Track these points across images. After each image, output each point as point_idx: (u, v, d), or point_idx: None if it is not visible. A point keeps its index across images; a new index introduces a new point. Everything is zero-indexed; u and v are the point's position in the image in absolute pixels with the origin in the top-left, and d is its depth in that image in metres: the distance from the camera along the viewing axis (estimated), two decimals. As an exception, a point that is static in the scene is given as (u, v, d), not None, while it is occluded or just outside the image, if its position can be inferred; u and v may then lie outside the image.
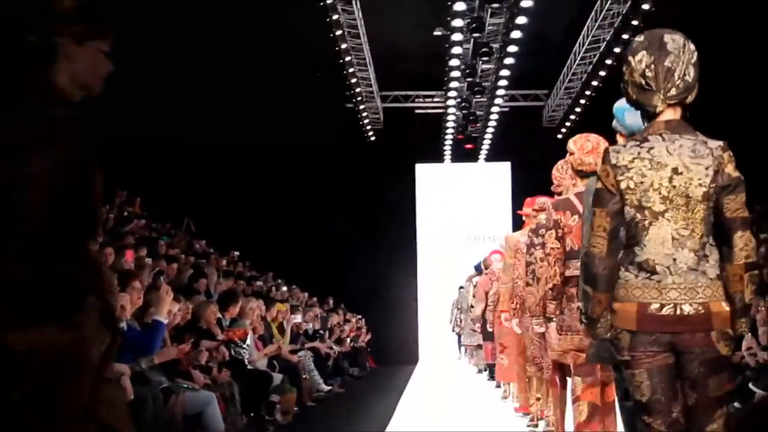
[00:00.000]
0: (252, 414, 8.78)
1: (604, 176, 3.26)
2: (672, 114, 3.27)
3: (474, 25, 15.95)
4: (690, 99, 3.27)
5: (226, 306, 9.57)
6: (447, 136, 22.78)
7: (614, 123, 4.32)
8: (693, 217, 3.18)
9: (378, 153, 22.33)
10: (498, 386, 12.43)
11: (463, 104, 19.98)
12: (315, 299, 19.14)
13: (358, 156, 22.00)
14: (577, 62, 18.89)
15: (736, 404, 7.88)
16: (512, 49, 16.63)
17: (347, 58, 17.92)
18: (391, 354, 22.05)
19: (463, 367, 18.89)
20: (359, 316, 21.50)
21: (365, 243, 21.97)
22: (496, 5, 15.51)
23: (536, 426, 7.98)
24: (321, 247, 21.55)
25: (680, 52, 3.23)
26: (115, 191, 15.33)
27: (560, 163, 6.13)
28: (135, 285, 6.89)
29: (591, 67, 18.43)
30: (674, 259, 3.17)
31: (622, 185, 3.22)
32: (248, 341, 9.41)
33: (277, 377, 9.36)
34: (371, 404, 11.86)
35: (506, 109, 21.39)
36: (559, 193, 6.09)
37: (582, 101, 19.80)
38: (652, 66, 3.23)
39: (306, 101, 18.19)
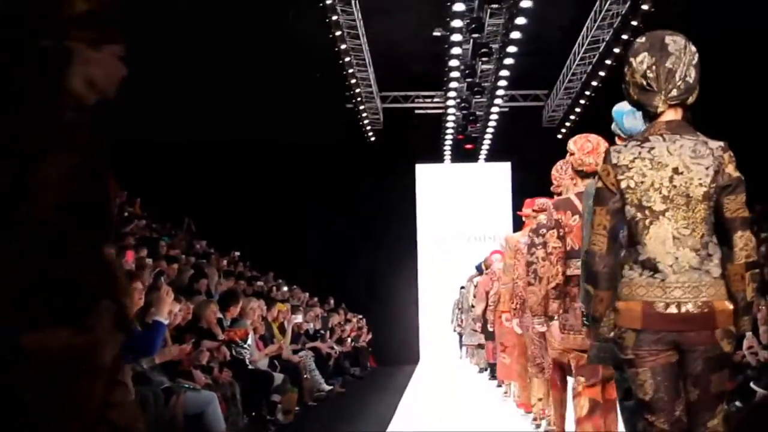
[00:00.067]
0: (253, 414, 8.79)
1: (605, 175, 3.29)
2: (673, 115, 3.30)
3: (473, 26, 15.96)
4: (691, 100, 3.30)
5: (227, 306, 9.58)
6: (447, 137, 22.79)
7: (613, 126, 4.35)
8: (693, 216, 3.21)
9: (378, 153, 22.33)
10: (499, 386, 12.44)
11: (463, 104, 20.00)
12: (316, 299, 19.15)
13: (358, 156, 22.01)
14: (576, 62, 18.90)
15: (737, 403, 7.89)
16: (512, 49, 16.64)
17: (347, 59, 17.94)
18: (392, 354, 22.06)
19: (464, 367, 18.90)
20: (360, 316, 21.51)
21: (366, 243, 21.98)
22: (495, 6, 15.53)
23: (539, 426, 8.00)
24: (321, 247, 21.57)
25: (681, 54, 3.26)
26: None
27: (559, 163, 6.14)
28: (136, 286, 6.90)
29: (590, 67, 18.44)
30: (676, 258, 3.19)
31: (623, 185, 3.25)
32: (249, 341, 9.42)
33: (278, 377, 9.37)
34: (372, 404, 11.87)
35: (506, 110, 21.41)
36: (559, 194, 6.10)
37: (582, 101, 19.81)
38: (654, 67, 3.26)
39: (306, 101, 18.20)
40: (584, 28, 17.71)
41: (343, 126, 21.11)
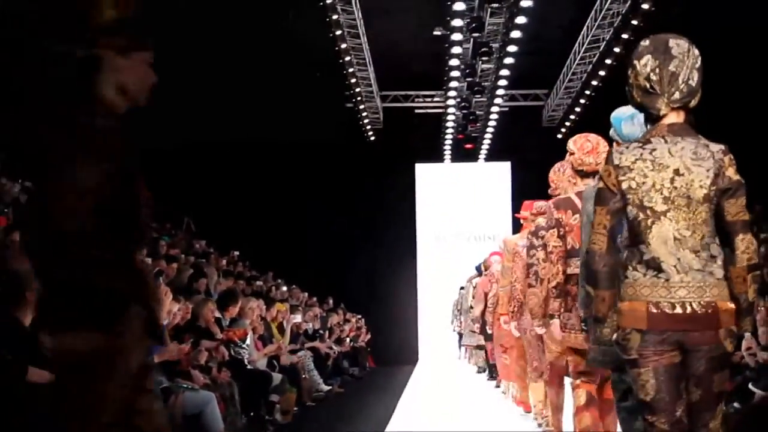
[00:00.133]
0: (252, 414, 8.78)
1: (606, 176, 3.32)
2: (675, 117, 3.32)
3: (474, 25, 15.95)
4: (693, 103, 3.32)
5: (226, 306, 9.56)
6: (447, 136, 22.78)
7: (611, 132, 4.36)
8: (694, 218, 3.23)
9: (378, 153, 22.32)
10: (497, 386, 12.44)
11: (463, 104, 19.99)
12: (315, 299, 19.15)
13: (358, 156, 22.00)
14: (576, 62, 18.89)
15: (735, 404, 7.88)
16: (512, 48, 16.63)
17: (347, 58, 17.93)
18: (390, 354, 22.05)
19: (463, 367, 18.89)
20: (359, 316, 21.50)
21: (365, 243, 21.97)
22: (495, 5, 15.51)
23: (539, 425, 8.00)
24: (321, 246, 21.56)
25: (685, 57, 3.28)
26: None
27: (557, 166, 6.15)
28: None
29: (591, 66, 18.43)
30: (678, 259, 3.21)
31: (624, 185, 3.27)
32: (248, 341, 9.41)
33: (277, 377, 9.36)
34: (371, 404, 11.86)
35: (506, 109, 21.39)
36: (557, 196, 6.09)
37: (582, 101, 19.80)
38: (657, 70, 3.28)
39: (306, 101, 18.20)
40: (584, 28, 17.70)
41: (343, 125, 21.11)
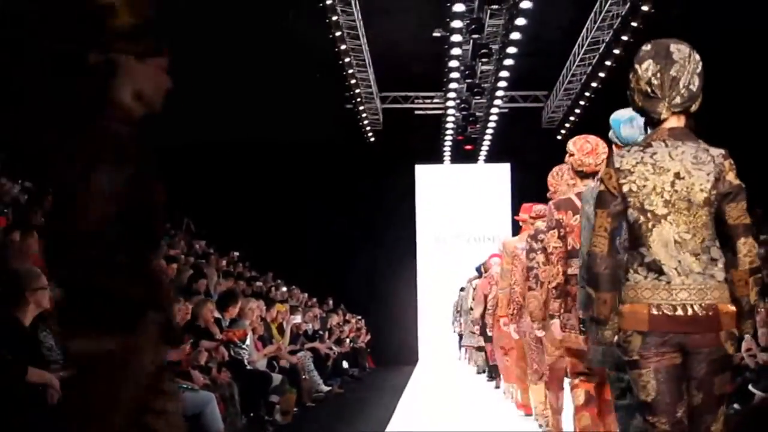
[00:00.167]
0: (251, 414, 8.78)
1: (607, 178, 3.34)
2: (676, 122, 3.34)
3: (473, 27, 15.95)
4: (694, 108, 3.35)
5: (226, 306, 9.57)
6: (446, 137, 22.78)
7: (611, 134, 4.38)
8: (695, 221, 3.25)
9: (377, 154, 22.33)
10: (497, 387, 12.44)
11: (463, 105, 19.99)
12: (315, 300, 19.15)
13: (358, 157, 22.01)
14: (576, 63, 18.90)
15: (735, 405, 7.89)
16: (512, 50, 16.63)
17: (347, 59, 17.93)
18: (390, 354, 22.06)
19: (463, 368, 18.90)
20: (359, 317, 21.51)
21: (365, 244, 21.97)
22: (495, 6, 15.51)
23: (540, 426, 8.01)
24: (321, 247, 21.56)
25: (686, 62, 3.31)
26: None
27: (555, 170, 6.17)
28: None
29: (590, 68, 18.44)
30: (679, 261, 3.23)
31: (625, 188, 3.29)
32: (248, 342, 9.41)
33: (277, 378, 9.37)
34: (371, 405, 11.87)
35: (506, 110, 21.39)
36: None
37: (581, 102, 19.80)
38: (658, 74, 3.30)
39: (306, 102, 18.19)
40: (584, 29, 17.71)
41: (342, 126, 21.11)
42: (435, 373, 18.58)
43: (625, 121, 4.26)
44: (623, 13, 16.06)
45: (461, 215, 23.56)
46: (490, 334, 11.13)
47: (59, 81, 2.79)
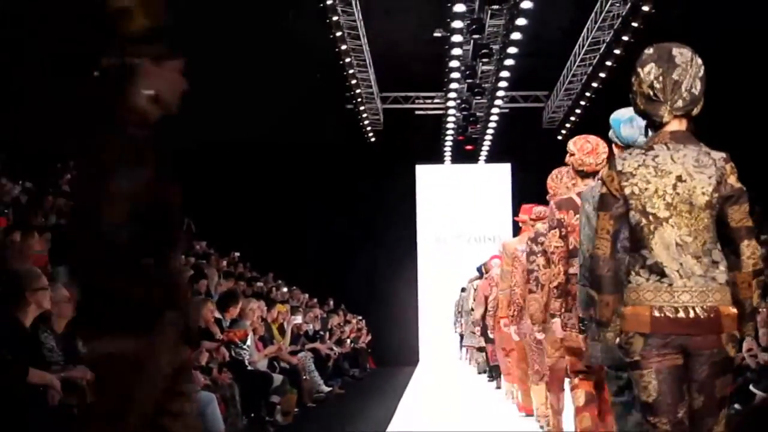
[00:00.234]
0: (252, 415, 8.78)
1: (609, 181, 3.35)
2: (678, 125, 3.35)
3: (474, 27, 15.95)
4: (696, 111, 3.36)
5: (227, 307, 9.56)
6: (447, 138, 22.78)
7: (610, 133, 4.39)
8: (696, 224, 3.26)
9: (378, 154, 22.33)
10: (498, 387, 12.44)
11: (463, 105, 19.99)
12: (315, 300, 19.15)
13: (359, 157, 22.00)
14: (577, 64, 18.89)
15: (736, 406, 7.88)
16: (512, 50, 16.63)
17: (347, 59, 17.93)
18: (391, 355, 22.05)
19: (464, 368, 18.90)
20: (360, 317, 21.51)
21: (365, 244, 21.97)
22: (496, 7, 15.51)
23: (542, 427, 8.02)
24: (321, 248, 21.56)
25: (688, 66, 3.32)
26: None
27: (554, 172, 6.19)
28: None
29: (591, 68, 18.43)
30: (680, 264, 3.25)
31: (627, 191, 3.30)
32: (248, 342, 9.41)
33: (278, 378, 9.36)
34: (371, 405, 11.87)
35: (506, 111, 21.39)
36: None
37: (582, 102, 19.79)
38: (661, 78, 3.32)
39: (306, 102, 18.19)
40: (585, 29, 17.71)
41: (343, 126, 21.11)
42: (436, 374, 18.57)
43: (625, 121, 4.28)
44: (624, 14, 16.06)
45: (462, 215, 23.56)
46: (491, 335, 11.15)
47: (76, 85, 2.82)
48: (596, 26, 17.14)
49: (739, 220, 3.28)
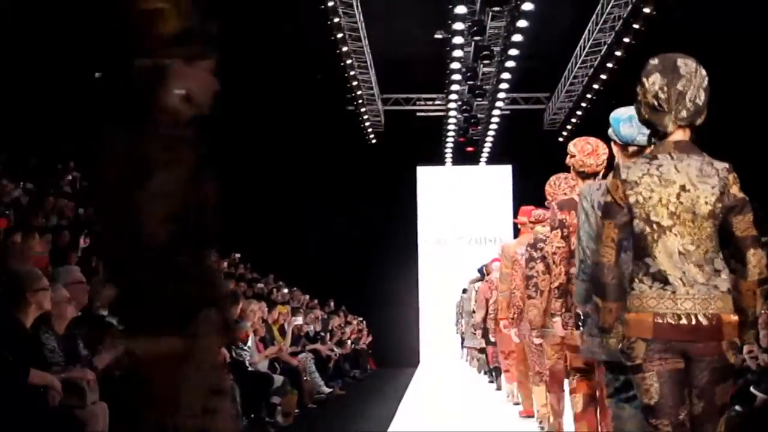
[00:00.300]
0: (253, 416, 8.78)
1: (614, 190, 3.39)
2: (681, 135, 3.39)
3: (475, 29, 15.96)
4: (699, 121, 3.40)
5: (227, 308, 9.54)
6: (448, 139, 22.79)
7: (610, 131, 4.42)
8: (699, 233, 3.31)
9: (379, 155, 22.34)
10: (498, 389, 12.45)
11: (464, 107, 20.00)
12: (316, 301, 19.14)
13: (360, 158, 22.02)
14: (578, 65, 18.90)
15: (737, 407, 7.88)
16: (513, 52, 16.64)
17: (349, 61, 17.95)
18: (392, 356, 22.06)
19: (465, 369, 18.89)
20: (360, 318, 21.51)
21: (366, 245, 21.98)
22: (497, 9, 15.52)
23: (543, 428, 8.03)
24: (322, 249, 21.56)
25: (692, 77, 3.36)
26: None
27: (553, 178, 6.22)
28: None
29: (592, 70, 18.44)
30: (683, 272, 3.29)
31: (631, 199, 3.35)
32: (249, 343, 9.41)
33: (278, 379, 9.36)
34: (372, 406, 11.87)
35: (507, 112, 21.40)
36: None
37: (583, 104, 19.81)
38: (665, 88, 3.35)
39: (307, 104, 18.19)
40: (586, 31, 17.71)
41: (344, 128, 21.12)
42: (436, 375, 18.57)
43: (625, 119, 4.32)
44: (625, 15, 16.07)
45: (463, 217, 23.56)
46: (492, 339, 11.17)
47: (111, 87, 2.84)
48: (597, 28, 17.15)
49: (744, 229, 3.32)
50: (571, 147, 5.30)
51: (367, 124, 21.89)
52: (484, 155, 23.62)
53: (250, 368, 9.23)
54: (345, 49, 17.31)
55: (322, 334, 15.66)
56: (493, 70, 18.34)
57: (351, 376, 16.51)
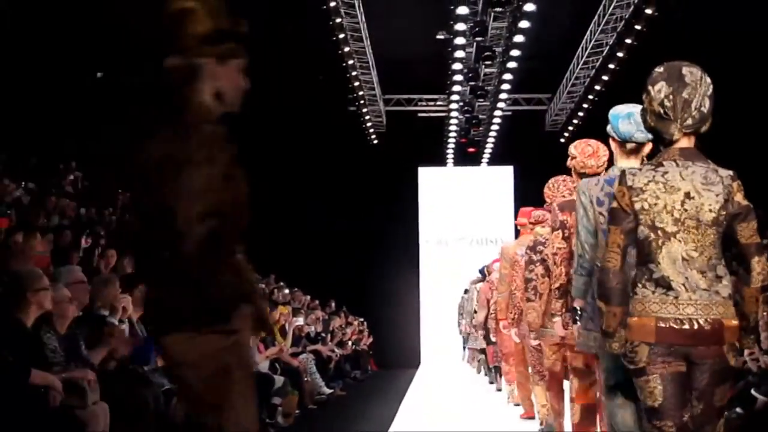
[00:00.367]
0: (253, 416, 8.76)
1: (620, 196, 3.44)
2: (687, 142, 3.44)
3: (477, 29, 15.96)
4: (704, 129, 3.45)
5: (228, 308, 9.54)
6: (450, 140, 22.79)
7: (608, 128, 4.47)
8: (703, 240, 3.35)
9: (381, 156, 22.34)
10: (499, 389, 12.45)
11: (466, 108, 20.00)
12: (317, 302, 19.13)
13: (361, 159, 22.02)
14: (579, 66, 18.89)
15: (738, 410, 7.87)
16: (515, 53, 16.64)
17: (350, 62, 17.95)
18: (392, 357, 22.06)
19: (466, 370, 18.89)
20: (361, 319, 21.50)
21: (368, 246, 21.98)
22: (499, 9, 15.52)
23: (542, 427, 8.03)
24: (323, 250, 21.57)
25: (697, 85, 3.40)
26: (117, 193, 15.36)
27: (551, 181, 6.24)
28: (142, 289, 6.89)
29: (594, 71, 18.43)
30: (686, 278, 3.34)
31: (637, 206, 3.39)
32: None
33: (279, 380, 9.36)
34: (373, 407, 11.87)
35: (509, 113, 21.40)
36: (549, 211, 6.16)
37: (584, 105, 19.80)
38: (671, 96, 3.40)
39: (309, 104, 18.18)
40: (588, 32, 17.71)
41: (346, 129, 21.12)
42: (437, 376, 18.57)
43: (624, 116, 4.36)
44: (627, 16, 16.06)
45: (464, 218, 23.57)
46: (493, 339, 11.18)
47: (146, 86, 2.88)
48: (599, 29, 17.14)
49: (749, 236, 3.37)
50: (572, 149, 5.31)
51: (368, 124, 21.89)
52: (486, 156, 23.62)
53: (250, 369, 9.21)
54: (347, 49, 17.32)
55: (323, 334, 15.67)
56: (494, 71, 18.34)
57: (352, 377, 16.52)
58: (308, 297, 18.95)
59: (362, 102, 20.39)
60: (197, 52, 2.84)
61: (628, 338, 3.38)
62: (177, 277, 2.72)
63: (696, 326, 3.30)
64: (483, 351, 14.21)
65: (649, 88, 3.43)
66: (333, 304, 20.53)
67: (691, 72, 3.41)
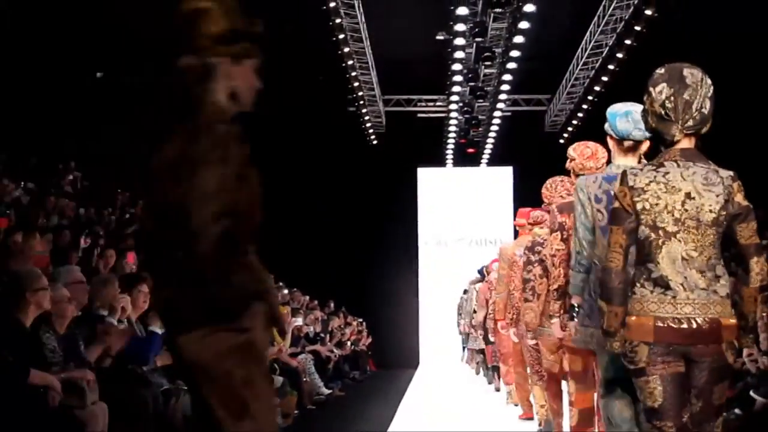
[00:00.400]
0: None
1: (622, 197, 3.46)
2: (687, 143, 3.47)
3: (476, 30, 15.96)
4: (705, 130, 3.48)
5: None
6: (449, 141, 22.80)
7: (606, 126, 4.48)
8: (702, 240, 3.38)
9: (380, 157, 22.35)
10: (497, 390, 12.45)
11: (466, 108, 20.00)
12: (316, 302, 19.13)
13: (360, 160, 22.02)
14: (579, 67, 18.90)
15: (736, 411, 7.88)
16: (515, 53, 16.64)
17: (350, 62, 17.95)
18: (391, 357, 22.06)
19: (465, 370, 18.89)
20: (360, 320, 21.51)
21: (367, 246, 21.98)
22: (498, 10, 15.52)
23: (541, 427, 8.03)
24: (322, 250, 21.57)
25: (698, 86, 3.43)
26: (116, 193, 15.36)
27: (549, 182, 6.24)
28: (142, 288, 6.90)
29: (593, 72, 18.44)
30: (685, 278, 3.36)
31: (638, 206, 3.42)
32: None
33: (278, 380, 9.36)
34: (372, 407, 11.87)
35: (508, 114, 21.40)
36: (548, 212, 6.16)
37: (584, 106, 19.80)
38: (672, 98, 3.42)
39: (308, 105, 18.18)
40: (587, 33, 17.71)
41: (345, 129, 21.12)
42: (436, 376, 18.57)
43: (621, 115, 4.38)
44: (627, 17, 16.06)
45: (463, 218, 23.57)
46: (492, 339, 11.18)
47: (161, 85, 2.90)
48: (599, 30, 17.14)
49: (748, 237, 3.40)
50: (571, 151, 5.32)
51: (368, 125, 21.89)
52: (485, 157, 23.62)
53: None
54: (346, 50, 17.32)
55: (322, 335, 15.67)
56: (494, 72, 18.34)
57: (351, 377, 16.51)
58: (307, 297, 18.95)
59: (362, 102, 20.39)
60: (212, 52, 2.86)
61: (627, 338, 3.40)
62: (191, 277, 2.73)
63: (694, 325, 3.33)
64: (482, 351, 14.22)
65: (650, 89, 3.46)
66: (332, 305, 20.53)
67: (692, 73, 3.43)
